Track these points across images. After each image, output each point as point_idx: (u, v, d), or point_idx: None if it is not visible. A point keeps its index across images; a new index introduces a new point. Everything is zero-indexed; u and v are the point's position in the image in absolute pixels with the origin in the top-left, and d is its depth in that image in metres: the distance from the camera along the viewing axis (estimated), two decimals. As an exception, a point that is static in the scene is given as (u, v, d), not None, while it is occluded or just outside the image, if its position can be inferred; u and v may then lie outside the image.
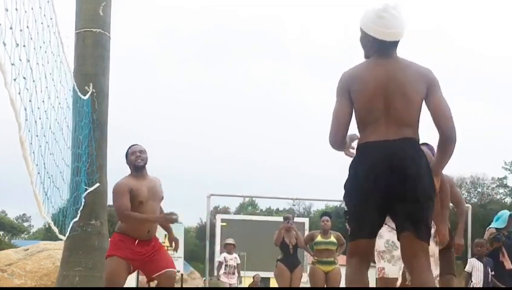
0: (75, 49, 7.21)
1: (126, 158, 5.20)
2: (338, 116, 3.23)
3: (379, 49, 3.27)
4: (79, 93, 6.54)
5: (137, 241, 5.05)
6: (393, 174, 3.06)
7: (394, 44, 3.28)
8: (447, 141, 3.23)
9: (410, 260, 3.10)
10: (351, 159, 3.28)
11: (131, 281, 12.29)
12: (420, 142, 5.52)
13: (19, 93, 3.32)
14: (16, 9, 3.38)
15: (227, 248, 10.77)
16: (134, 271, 5.31)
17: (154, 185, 5.22)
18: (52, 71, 4.87)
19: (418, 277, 3.06)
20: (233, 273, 10.67)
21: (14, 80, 3.22)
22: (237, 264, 10.76)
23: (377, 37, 3.25)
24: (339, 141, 3.25)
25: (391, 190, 3.06)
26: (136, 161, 5.12)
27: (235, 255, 10.79)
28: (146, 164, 5.18)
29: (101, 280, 6.76)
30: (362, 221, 3.15)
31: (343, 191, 3.25)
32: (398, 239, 3.15)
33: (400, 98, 3.18)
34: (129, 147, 5.22)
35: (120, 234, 5.11)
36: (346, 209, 3.25)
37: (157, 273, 5.06)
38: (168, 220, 5.23)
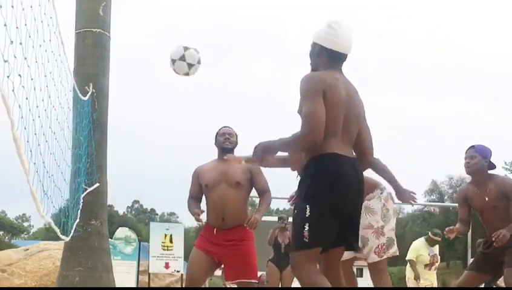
0: (75, 49, 7.20)
1: (215, 139, 5.11)
2: (319, 114, 3.06)
3: (330, 61, 3.32)
4: (79, 94, 6.53)
5: (215, 230, 4.87)
6: (358, 194, 3.25)
7: (343, 59, 3.36)
8: (367, 166, 3.53)
9: (339, 270, 3.43)
10: (317, 163, 3.16)
11: (130, 281, 12.27)
12: (469, 145, 5.23)
13: (13, 90, 3.32)
14: (12, 6, 3.38)
15: None
16: (220, 264, 5.03)
17: (229, 169, 4.90)
18: (52, 70, 4.86)
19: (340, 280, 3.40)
20: None
21: (8, 76, 3.22)
22: None
23: (326, 46, 3.31)
24: (320, 141, 3.07)
25: (354, 208, 3.25)
26: (224, 143, 5.00)
27: None
28: (234, 148, 5.01)
29: (101, 280, 6.76)
30: (330, 232, 3.15)
31: (312, 197, 3.10)
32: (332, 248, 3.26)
33: (354, 119, 3.29)
34: (219, 129, 5.12)
35: (206, 222, 4.99)
36: (308, 215, 3.09)
37: (230, 281, 4.90)
38: (196, 219, 4.92)
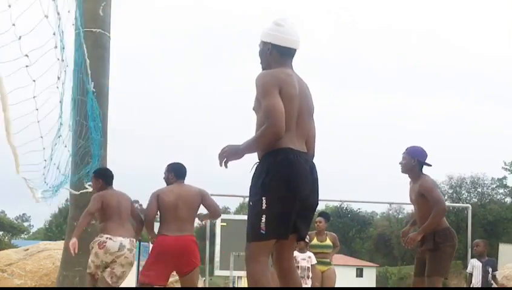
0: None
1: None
2: (280, 107, 3.17)
3: (281, 57, 3.42)
4: (80, 93, 6.55)
5: None
6: (312, 186, 3.34)
7: (293, 54, 3.47)
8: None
9: (291, 259, 3.50)
10: (271, 157, 3.23)
11: (130, 281, 12.28)
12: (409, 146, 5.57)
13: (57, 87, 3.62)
14: (58, 13, 3.57)
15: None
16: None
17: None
18: (65, 69, 5.18)
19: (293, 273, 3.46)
20: (308, 277, 7.97)
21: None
22: (311, 265, 8.07)
23: (276, 43, 3.41)
24: (282, 133, 3.17)
25: (308, 200, 3.32)
26: None
27: (308, 253, 8.13)
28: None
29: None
30: (287, 223, 3.25)
31: (268, 190, 3.20)
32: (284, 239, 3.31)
33: (307, 116, 3.42)
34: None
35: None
36: (264, 206, 3.19)
37: None
38: None
